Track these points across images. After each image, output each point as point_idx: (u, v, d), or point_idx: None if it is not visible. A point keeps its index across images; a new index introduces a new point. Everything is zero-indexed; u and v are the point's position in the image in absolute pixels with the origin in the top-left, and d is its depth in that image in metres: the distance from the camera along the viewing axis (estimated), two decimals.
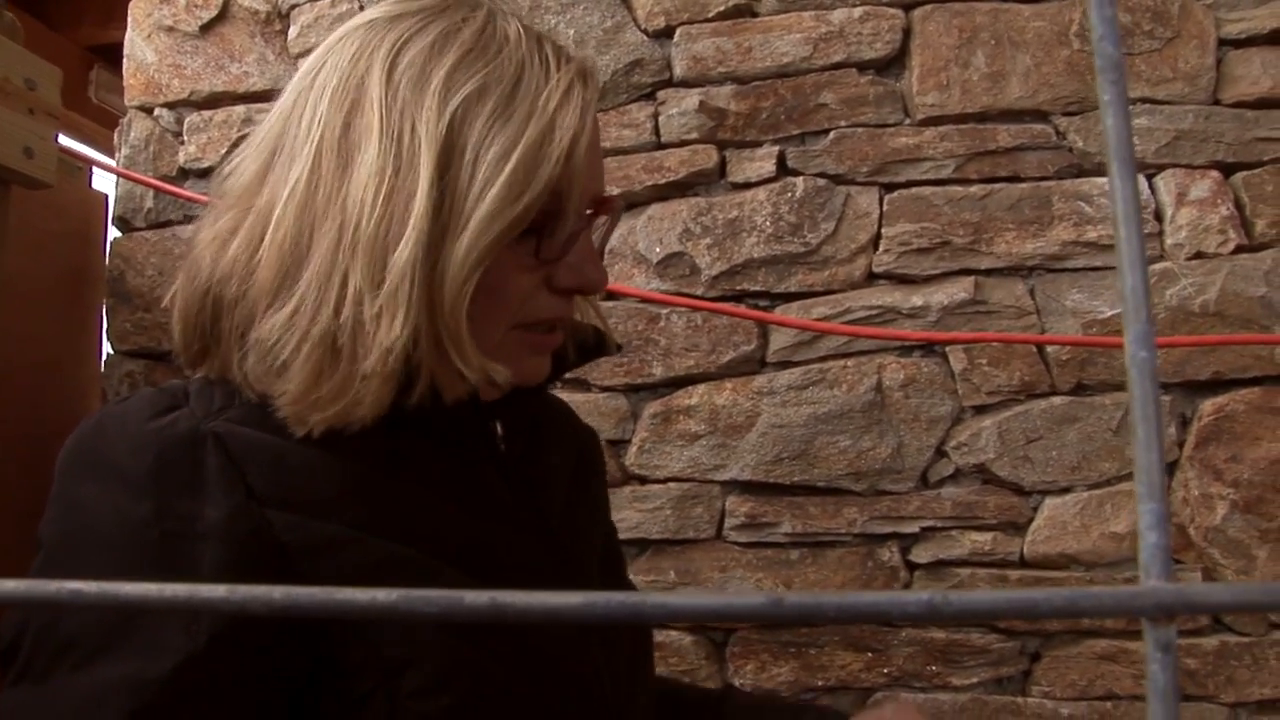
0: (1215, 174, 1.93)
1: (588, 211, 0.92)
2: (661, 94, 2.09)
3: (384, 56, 0.83)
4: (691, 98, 2.06)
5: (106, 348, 2.38)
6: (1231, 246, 1.91)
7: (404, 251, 0.79)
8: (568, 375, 1.12)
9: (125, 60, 2.39)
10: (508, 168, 0.79)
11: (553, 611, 0.26)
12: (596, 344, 1.08)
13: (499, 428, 1.00)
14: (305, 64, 0.91)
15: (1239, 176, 1.93)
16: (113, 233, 2.40)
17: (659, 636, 1.92)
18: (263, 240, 0.86)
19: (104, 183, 2.53)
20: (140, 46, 2.37)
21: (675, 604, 0.26)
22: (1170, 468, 1.91)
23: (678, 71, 2.09)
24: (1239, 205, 1.92)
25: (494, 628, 0.88)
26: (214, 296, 0.88)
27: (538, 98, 0.82)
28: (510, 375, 0.90)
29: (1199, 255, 1.91)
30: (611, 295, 2.02)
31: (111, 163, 2.38)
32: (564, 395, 1.16)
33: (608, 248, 2.02)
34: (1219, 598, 0.26)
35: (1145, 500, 0.26)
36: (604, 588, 1.05)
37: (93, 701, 0.74)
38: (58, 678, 0.76)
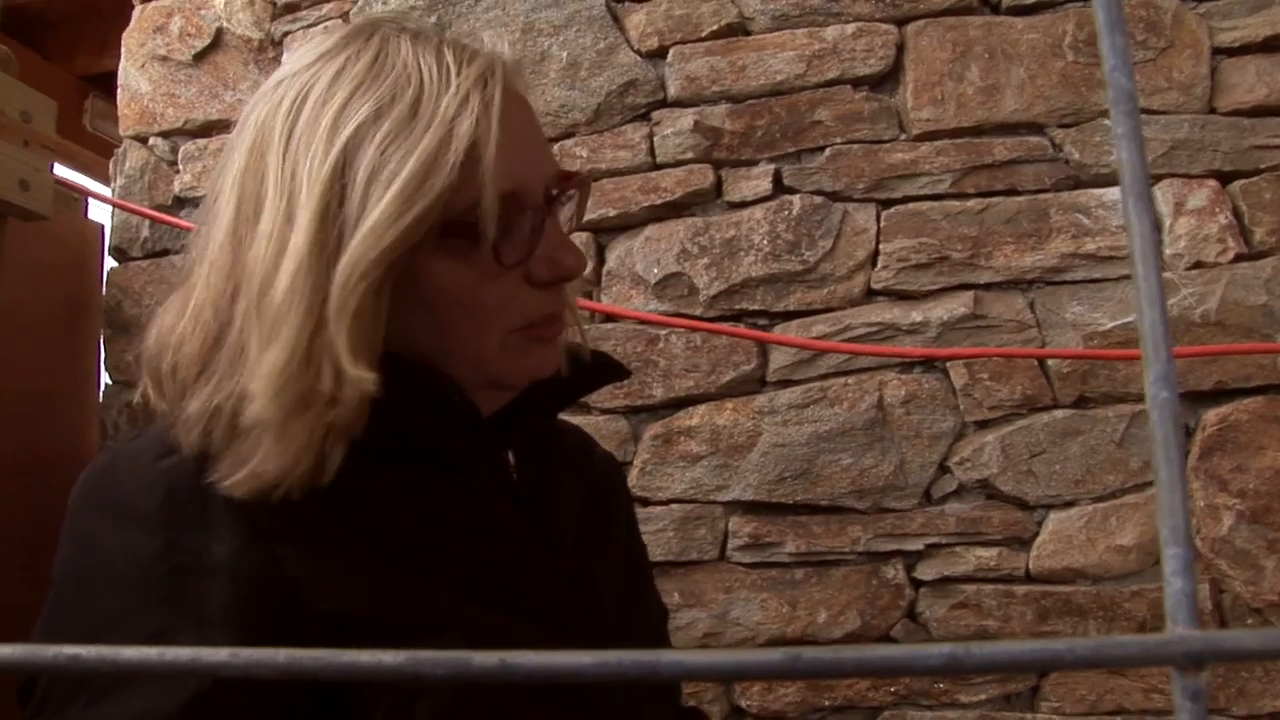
0: (1213, 183, 1.92)
1: (544, 199, 0.90)
2: (656, 114, 2.09)
3: (284, 117, 0.83)
4: (686, 118, 2.06)
5: (105, 378, 2.38)
6: (1231, 255, 1.90)
7: (279, 288, 0.78)
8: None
9: (119, 90, 2.39)
10: (399, 179, 0.78)
11: (565, 672, 0.25)
12: (609, 368, 1.08)
13: (511, 457, 0.99)
14: (235, 128, 0.90)
15: (1236, 185, 1.92)
16: (109, 263, 2.40)
17: None
18: (186, 313, 0.85)
19: (100, 213, 2.53)
20: (134, 76, 2.37)
21: (691, 662, 0.25)
22: None
23: (672, 91, 2.09)
24: (1237, 214, 1.92)
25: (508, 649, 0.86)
26: (153, 367, 0.88)
27: (437, 107, 0.81)
28: (513, 378, 0.92)
29: (1198, 265, 1.91)
30: (610, 317, 2.02)
31: (107, 193, 2.38)
32: (564, 418, 1.15)
33: (605, 269, 2.02)
34: (1248, 645, 0.25)
35: (1170, 545, 0.26)
36: (622, 613, 1.04)
37: None
38: (72, 713, 0.76)
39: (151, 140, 2.36)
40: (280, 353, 0.77)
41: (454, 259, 0.84)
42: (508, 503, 0.97)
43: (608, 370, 1.08)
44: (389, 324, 0.82)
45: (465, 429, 0.90)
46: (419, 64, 0.83)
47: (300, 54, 0.88)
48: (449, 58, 0.84)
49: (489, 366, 0.89)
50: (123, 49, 2.39)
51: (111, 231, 2.37)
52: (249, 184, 0.83)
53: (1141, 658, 0.25)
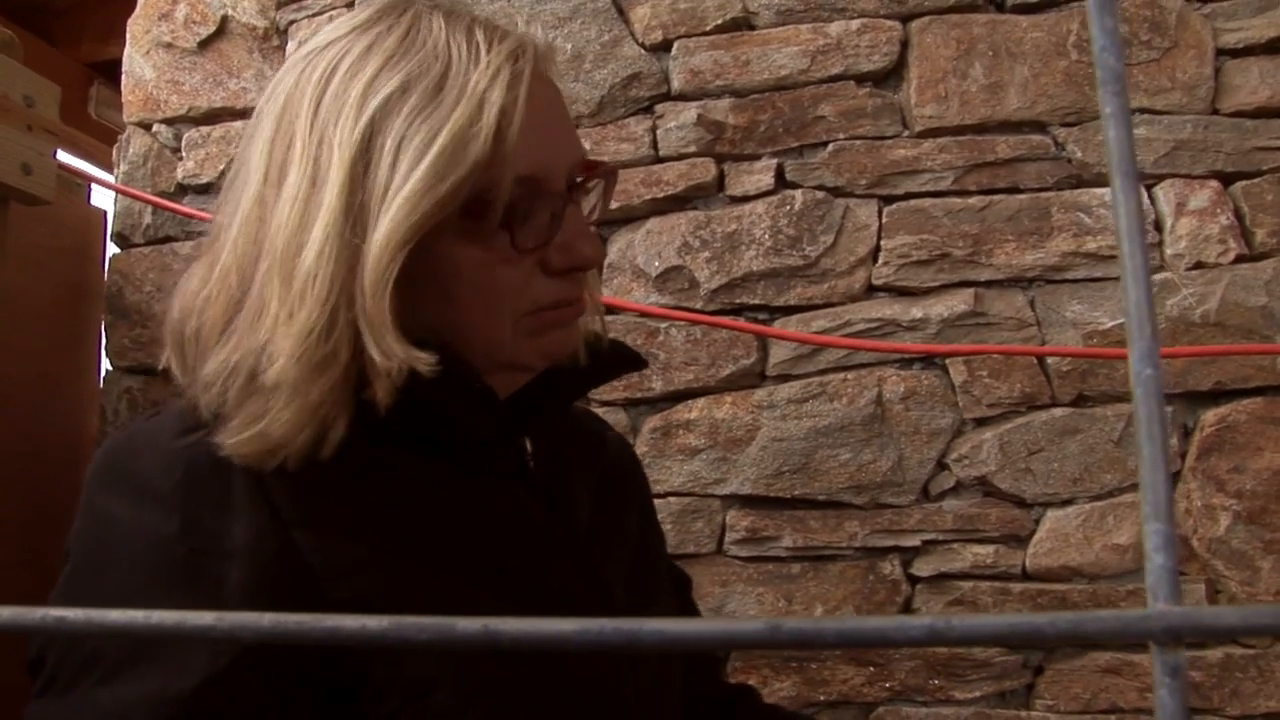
0: (1215, 184, 1.92)
1: (566, 186, 0.90)
2: (659, 108, 2.09)
3: (314, 86, 0.83)
4: (689, 111, 2.06)
5: (105, 364, 2.38)
6: (1232, 256, 1.90)
7: (310, 253, 0.78)
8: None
9: (124, 77, 2.39)
10: (431, 151, 0.78)
11: (547, 638, 0.25)
12: (626, 357, 1.08)
13: (528, 445, 0.99)
14: (262, 96, 0.90)
15: (1238, 186, 1.92)
16: (111, 249, 2.40)
17: None
18: (212, 278, 0.86)
19: (103, 199, 2.53)
20: (139, 63, 2.37)
21: (672, 631, 0.25)
22: (1172, 479, 1.90)
23: (675, 85, 2.09)
24: (1239, 215, 1.92)
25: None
26: (177, 333, 0.88)
27: (466, 83, 0.81)
28: (530, 359, 0.92)
29: (1199, 265, 1.91)
30: (611, 309, 2.02)
31: (110, 179, 2.38)
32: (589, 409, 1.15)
33: (606, 262, 2.02)
34: (1228, 621, 0.25)
35: (1151, 520, 0.26)
36: (635, 601, 1.04)
37: (115, 717, 0.74)
38: (82, 691, 0.76)
39: (155, 127, 2.36)
40: (308, 317, 0.77)
41: (469, 240, 0.84)
42: (524, 490, 0.97)
43: (625, 359, 1.08)
44: (403, 303, 0.82)
45: (485, 415, 0.89)
46: (449, 40, 0.83)
47: (332, 27, 0.88)
48: (479, 36, 0.84)
49: (503, 350, 0.89)
50: (127, 35, 2.40)
51: (114, 217, 2.37)
52: (276, 151, 0.83)
53: (1121, 632, 0.25)
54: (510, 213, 0.84)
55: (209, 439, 0.82)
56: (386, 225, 0.78)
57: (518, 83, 0.82)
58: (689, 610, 1.31)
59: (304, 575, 0.80)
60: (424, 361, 0.80)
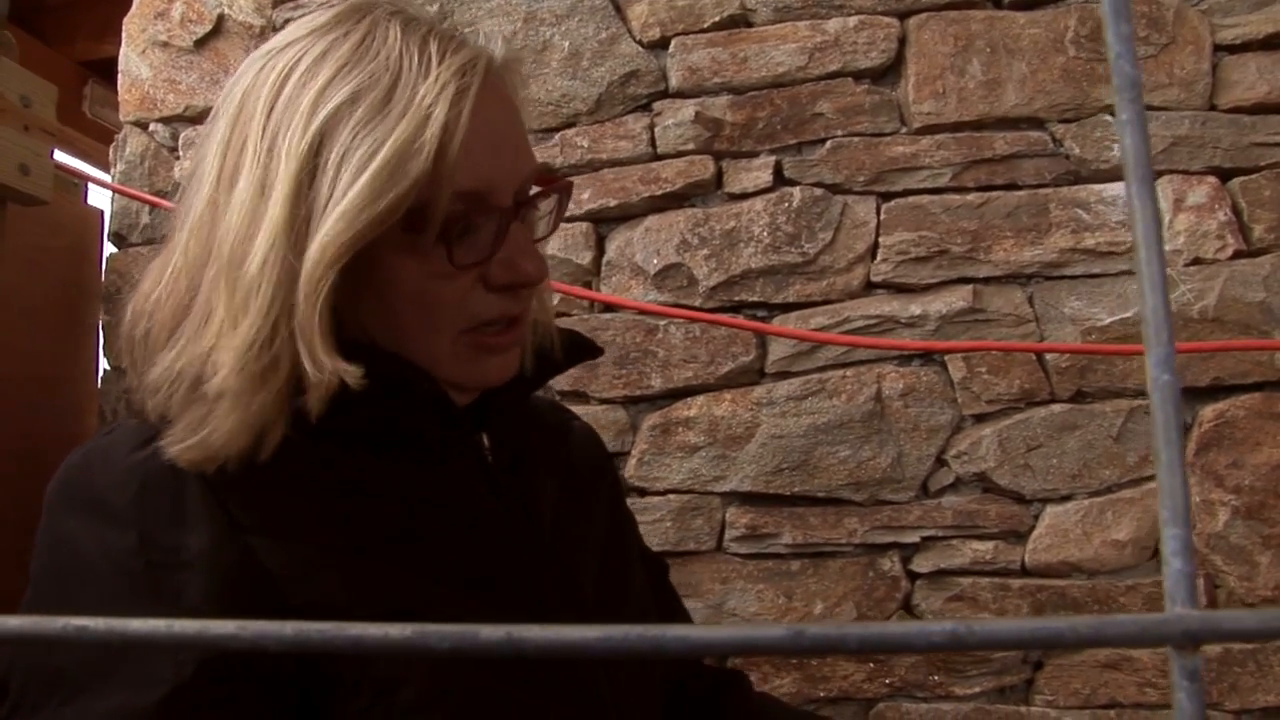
0: (1212, 179, 1.93)
1: (514, 202, 0.89)
2: (657, 105, 2.09)
3: (268, 89, 0.83)
4: (687, 108, 2.06)
5: (103, 364, 2.38)
6: (1230, 252, 1.90)
7: (253, 263, 0.78)
8: (566, 387, 1.11)
9: (120, 76, 2.39)
10: (371, 166, 0.78)
11: (570, 645, 0.25)
12: (582, 346, 1.08)
13: (485, 439, 0.99)
14: (220, 96, 0.90)
15: (1236, 182, 1.93)
16: (109, 248, 2.40)
17: None
18: (163, 280, 0.86)
19: (100, 198, 2.53)
20: (135, 62, 2.37)
21: (696, 636, 0.25)
22: None
23: (673, 82, 2.09)
24: (1236, 210, 1.92)
25: None
26: (127, 337, 0.89)
27: (413, 96, 0.80)
28: (464, 381, 0.91)
29: (1197, 261, 1.91)
30: (609, 307, 2.02)
31: (107, 179, 2.38)
32: (540, 394, 1.15)
33: (604, 259, 2.02)
34: (1246, 625, 0.25)
35: (1170, 525, 0.26)
36: (605, 592, 1.04)
37: None
38: (47, 712, 0.76)
39: (152, 126, 2.36)
40: (250, 328, 0.78)
41: (409, 253, 0.84)
42: (482, 485, 0.97)
43: (579, 349, 1.08)
44: (347, 312, 0.83)
45: (435, 414, 0.90)
46: (402, 51, 0.82)
47: (292, 28, 0.88)
48: (433, 48, 0.84)
49: (440, 366, 0.89)
50: (124, 34, 2.39)
51: (111, 217, 2.36)
52: (230, 154, 0.84)
53: (1140, 637, 0.25)
54: (448, 227, 0.84)
55: (164, 450, 0.82)
56: (320, 240, 0.78)
57: (463, 98, 0.82)
58: (666, 597, 1.31)
59: (263, 580, 0.80)
60: (352, 375, 0.80)
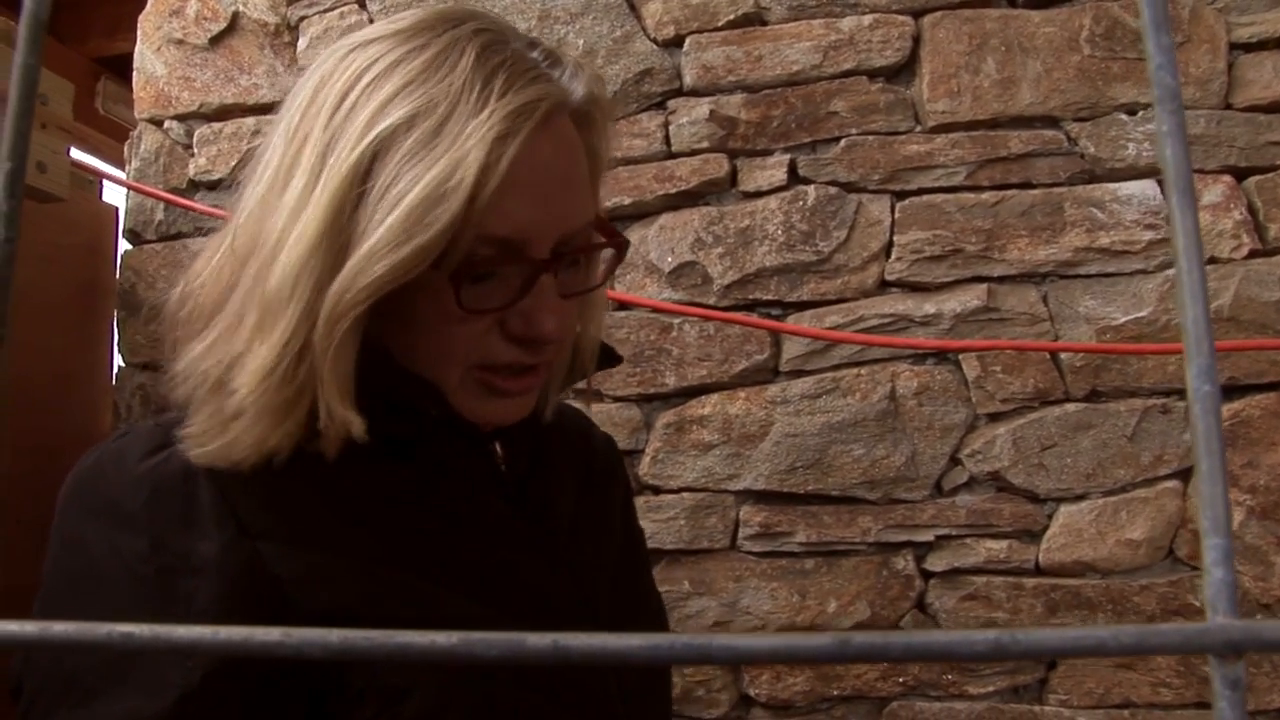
0: (1228, 179, 1.92)
1: (552, 253, 0.85)
2: (672, 103, 2.10)
3: (340, 89, 0.81)
4: (702, 107, 2.06)
5: (118, 360, 2.38)
6: (1245, 251, 1.90)
7: (279, 280, 0.78)
8: (579, 385, 1.09)
9: (135, 73, 2.39)
10: (402, 206, 0.76)
11: (616, 653, 0.26)
12: (605, 354, 1.07)
13: (499, 449, 0.98)
14: (299, 80, 0.89)
15: (1252, 181, 1.92)
16: (124, 245, 2.40)
17: None
18: (211, 264, 0.86)
19: (115, 195, 2.54)
20: (150, 59, 2.37)
21: (742, 646, 0.25)
22: (1185, 474, 1.90)
23: (688, 81, 2.09)
24: (1252, 210, 1.92)
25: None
26: (172, 316, 0.89)
27: (460, 134, 0.77)
28: (472, 416, 0.89)
29: (1212, 260, 1.91)
30: (623, 305, 2.02)
31: (122, 175, 2.38)
32: (576, 406, 1.14)
33: None
34: None
35: (1210, 535, 0.26)
36: (617, 599, 1.04)
37: None
38: (60, 716, 0.77)
39: (167, 123, 2.37)
40: (272, 355, 0.77)
41: (425, 286, 0.81)
42: (495, 494, 0.96)
43: (602, 357, 1.06)
44: (370, 331, 0.81)
45: (444, 426, 0.89)
46: (467, 81, 0.79)
47: (381, 25, 0.86)
48: (498, 82, 0.80)
49: (450, 396, 0.87)
50: (138, 32, 2.40)
51: (126, 214, 2.37)
52: (293, 144, 0.82)
53: (1182, 646, 0.25)
54: (465, 270, 0.81)
55: (176, 456, 0.82)
56: (342, 279, 0.77)
57: (506, 142, 0.78)
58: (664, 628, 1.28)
59: (272, 586, 0.80)
60: (358, 427, 0.80)
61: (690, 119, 2.07)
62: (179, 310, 0.87)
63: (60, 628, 0.28)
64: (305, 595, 0.81)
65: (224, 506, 0.80)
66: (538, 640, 0.25)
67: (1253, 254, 1.90)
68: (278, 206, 0.80)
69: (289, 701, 0.80)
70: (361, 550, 0.85)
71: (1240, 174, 1.93)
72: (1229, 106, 1.95)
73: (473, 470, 0.95)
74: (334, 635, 0.27)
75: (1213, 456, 0.27)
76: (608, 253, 0.95)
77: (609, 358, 1.07)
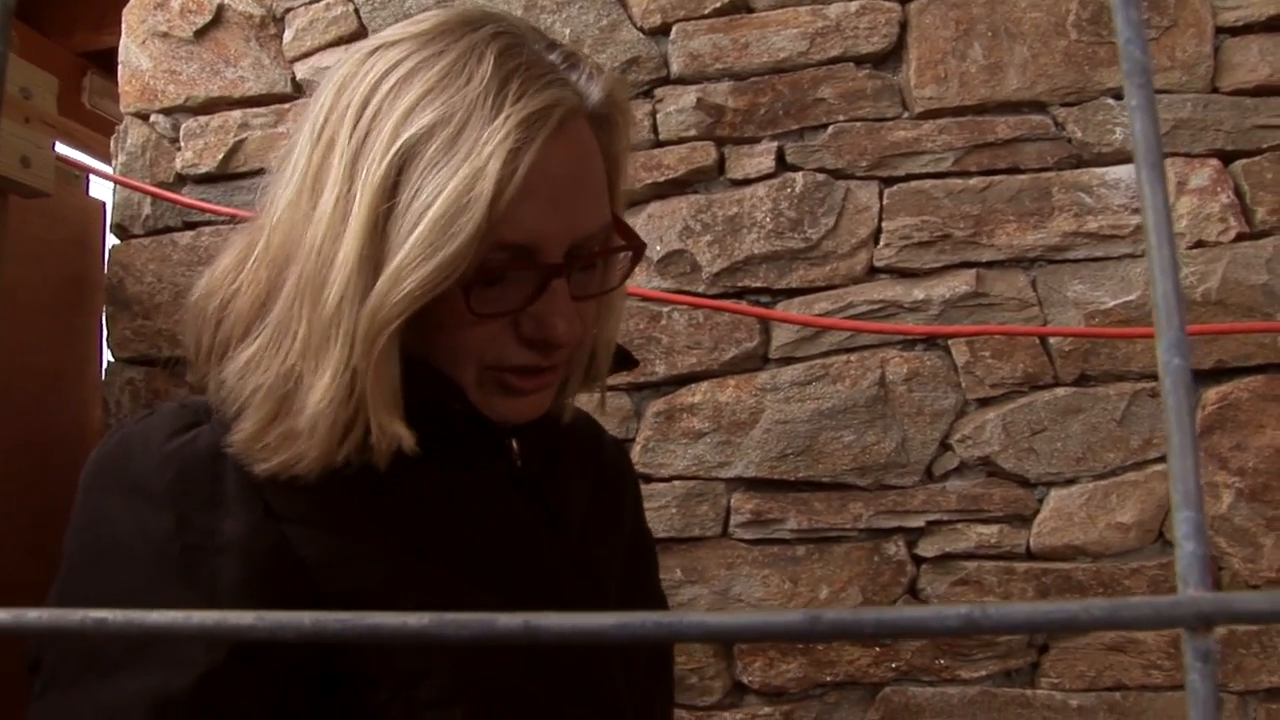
0: (1215, 162, 1.93)
1: (566, 257, 0.86)
2: (659, 92, 2.09)
3: (363, 93, 0.82)
4: (689, 95, 2.06)
5: (107, 355, 2.38)
6: (1232, 235, 1.91)
7: (330, 300, 0.79)
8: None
9: (120, 67, 2.39)
10: (427, 219, 0.77)
11: (587, 632, 0.26)
12: (621, 358, 1.07)
13: (515, 445, 0.99)
14: (323, 79, 0.90)
15: (1238, 164, 1.93)
16: (111, 240, 2.40)
17: None
18: (248, 263, 0.87)
19: (101, 190, 2.53)
20: (135, 53, 2.37)
21: (713, 623, 0.25)
22: None
23: (675, 69, 2.09)
24: (1239, 193, 1.92)
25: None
26: (200, 307, 0.89)
27: (477, 141, 0.78)
28: (488, 413, 0.89)
29: (1200, 244, 1.91)
30: None
31: (108, 170, 2.38)
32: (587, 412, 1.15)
33: None
34: (1258, 606, 0.25)
35: (1182, 509, 0.26)
36: (625, 598, 1.05)
37: (118, 712, 0.75)
38: (82, 688, 0.77)
39: (153, 117, 2.36)
40: (333, 378, 0.79)
41: (446, 290, 0.81)
42: (512, 490, 0.97)
43: (619, 360, 1.07)
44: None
45: (463, 422, 0.89)
46: (484, 86, 0.80)
47: (399, 27, 0.87)
48: (513, 87, 0.80)
49: (467, 394, 0.88)
50: (123, 25, 2.39)
51: (113, 209, 2.37)
52: (319, 148, 0.83)
53: (1154, 619, 0.25)
54: (477, 275, 0.82)
55: (202, 436, 0.84)
56: (374, 300, 0.78)
57: (521, 153, 0.78)
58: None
59: (297, 568, 0.81)
60: (407, 441, 0.81)
61: (677, 107, 2.07)
62: (208, 305, 0.89)
63: (79, 615, 0.29)
64: (328, 579, 0.82)
65: (250, 488, 0.82)
66: (509, 620, 0.25)
67: (1240, 237, 1.91)
68: (311, 216, 0.82)
69: (308, 683, 0.82)
70: (383, 539, 0.86)
71: (1227, 157, 1.93)
72: (1215, 90, 1.95)
73: (491, 467, 0.96)
74: (306, 618, 0.27)
75: (1183, 431, 0.27)
76: (625, 255, 0.95)
77: (624, 360, 1.07)
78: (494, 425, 0.93)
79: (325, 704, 0.82)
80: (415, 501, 0.90)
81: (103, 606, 0.77)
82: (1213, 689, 0.25)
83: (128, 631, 0.28)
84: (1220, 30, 1.95)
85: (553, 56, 0.85)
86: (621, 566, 1.07)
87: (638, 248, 0.94)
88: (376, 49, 0.85)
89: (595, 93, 0.87)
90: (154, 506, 0.80)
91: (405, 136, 0.78)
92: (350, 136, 0.81)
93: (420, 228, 0.77)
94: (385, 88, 0.81)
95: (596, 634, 0.25)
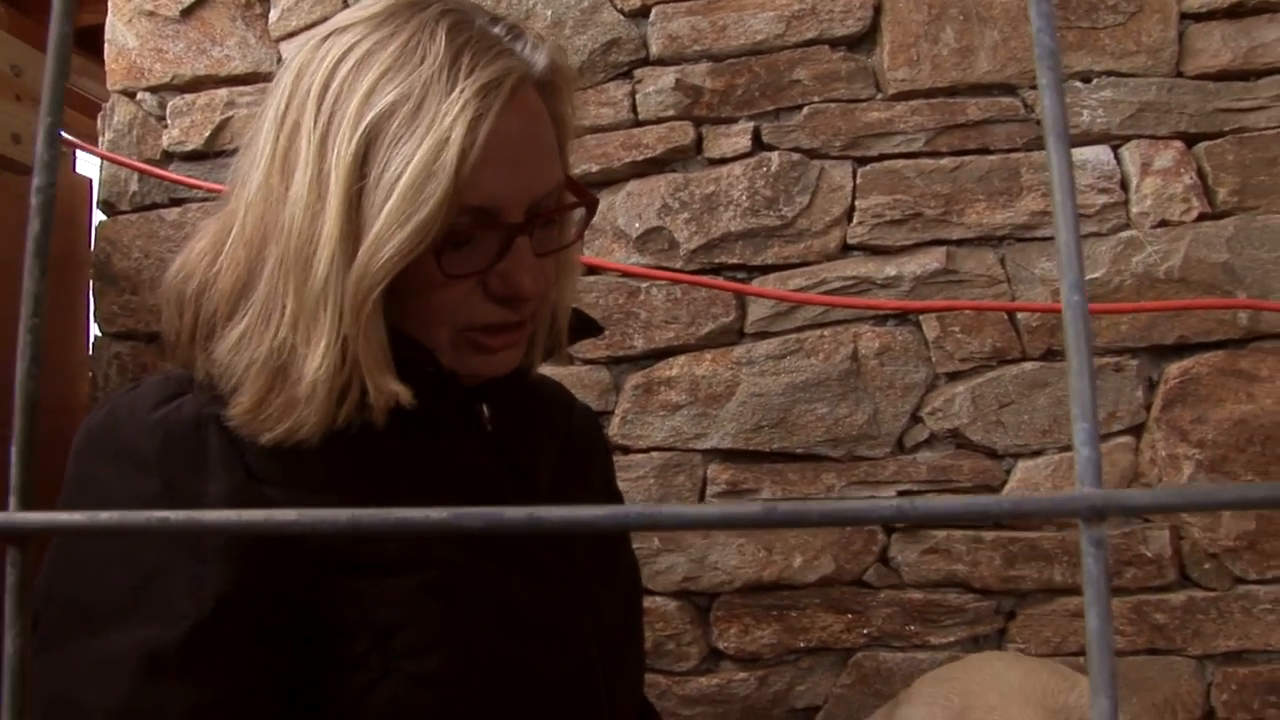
0: (1178, 144, 1.98)
1: (526, 216, 0.92)
2: (638, 72, 2.13)
3: (322, 78, 0.87)
4: (668, 76, 2.10)
5: (94, 330, 2.40)
6: (1195, 214, 1.96)
7: (317, 275, 0.84)
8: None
9: (106, 45, 2.41)
10: (398, 190, 0.82)
11: (583, 522, 0.30)
12: (586, 325, 1.13)
13: (485, 410, 1.04)
14: (280, 68, 0.94)
15: (1201, 146, 1.98)
16: (98, 217, 2.42)
17: (645, 603, 1.97)
18: (225, 245, 0.92)
19: (88, 167, 2.55)
20: (121, 31, 2.39)
21: (689, 514, 0.30)
22: (1138, 430, 1.97)
23: (654, 50, 2.12)
24: (1201, 174, 1.98)
25: (481, 594, 0.93)
26: (177, 290, 0.94)
27: (437, 113, 0.83)
28: (461, 371, 0.96)
29: (1164, 223, 1.97)
30: (592, 270, 2.06)
31: (96, 147, 2.40)
32: (547, 368, 1.19)
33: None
34: (1142, 500, 0.30)
35: (1079, 420, 0.31)
36: (598, 555, 1.09)
37: (110, 664, 0.80)
38: (76, 644, 0.82)
39: (139, 95, 2.38)
40: (326, 347, 0.84)
41: (418, 256, 0.86)
42: (483, 452, 1.02)
43: (583, 327, 1.13)
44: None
45: (434, 385, 0.94)
46: (438, 62, 0.85)
47: (352, 12, 0.91)
48: (465, 60, 0.86)
49: (440, 355, 0.94)
50: (110, 3, 2.41)
51: (100, 185, 2.39)
52: (284, 132, 0.88)
53: (1053, 510, 0.30)
54: (446, 239, 0.87)
55: (187, 405, 0.89)
56: (358, 268, 0.84)
57: (480, 121, 0.84)
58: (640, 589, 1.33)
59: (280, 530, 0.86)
60: (405, 396, 0.87)
61: (656, 88, 2.10)
62: (186, 288, 0.94)
63: (106, 516, 0.33)
64: (306, 536, 0.87)
65: (233, 453, 0.87)
66: (514, 513, 0.30)
67: (1202, 217, 1.96)
68: (285, 198, 0.87)
69: (292, 635, 0.87)
70: (360, 500, 0.91)
71: (1190, 140, 1.99)
72: (1180, 74, 2.00)
73: (462, 429, 1.02)
74: (343, 514, 0.31)
75: (1080, 354, 0.32)
76: (580, 212, 1.02)
77: (590, 327, 1.13)
78: (465, 389, 0.99)
79: (310, 655, 0.87)
80: (389, 463, 0.95)
81: (94, 564, 0.81)
82: (1104, 570, 0.30)
83: (189, 530, 0.32)
84: (1185, 16, 2.00)
85: (498, 29, 0.92)
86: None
87: (590, 203, 1.01)
88: (330, 34, 0.90)
89: (540, 61, 0.93)
90: (142, 470, 0.85)
91: (370, 116, 0.83)
92: (315, 120, 0.86)
93: (393, 199, 0.82)
94: (344, 71, 0.86)
95: (591, 523, 0.30)
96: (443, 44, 0.86)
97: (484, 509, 0.30)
